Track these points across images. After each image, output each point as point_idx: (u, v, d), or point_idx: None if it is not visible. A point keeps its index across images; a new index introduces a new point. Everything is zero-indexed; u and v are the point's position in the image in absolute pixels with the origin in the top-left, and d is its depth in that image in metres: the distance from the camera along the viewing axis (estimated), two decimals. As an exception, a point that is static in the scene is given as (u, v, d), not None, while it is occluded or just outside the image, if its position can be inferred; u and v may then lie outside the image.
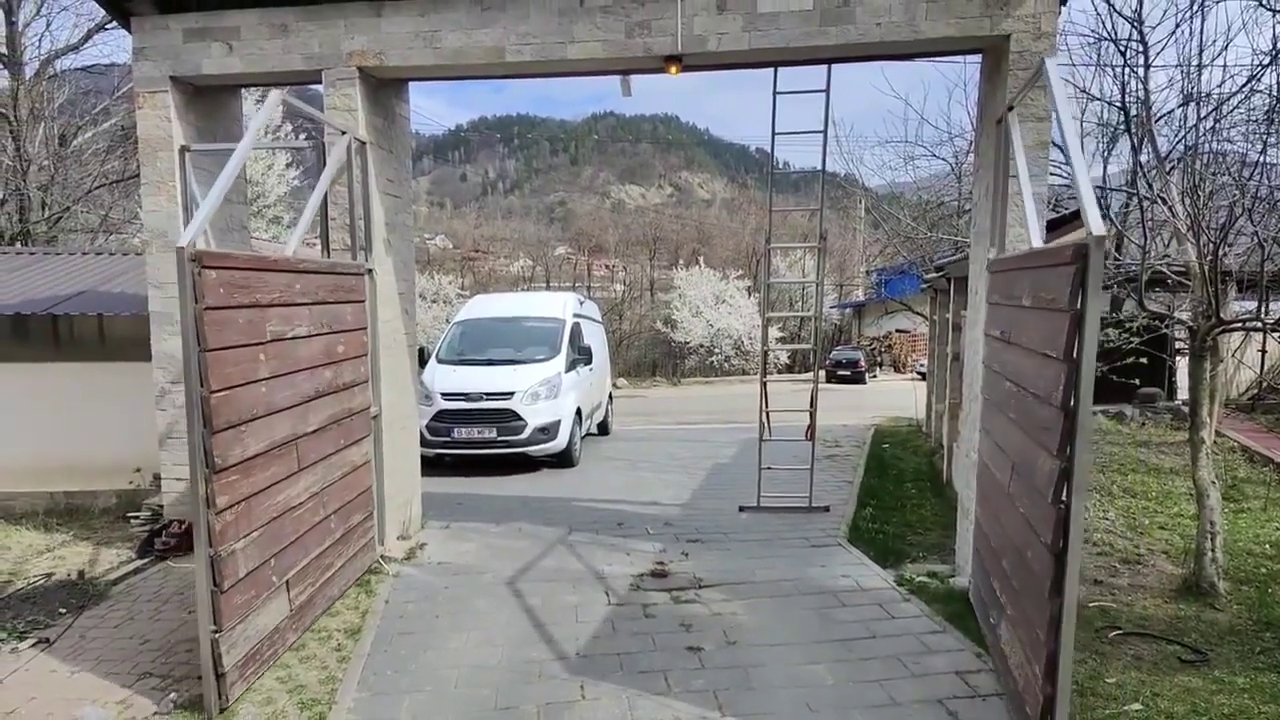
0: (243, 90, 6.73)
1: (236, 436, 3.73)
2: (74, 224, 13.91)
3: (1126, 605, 4.81)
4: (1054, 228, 5.30)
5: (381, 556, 5.69)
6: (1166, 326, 6.67)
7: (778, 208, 7.44)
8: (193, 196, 5.92)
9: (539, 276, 45.83)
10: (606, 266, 50.58)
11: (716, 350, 29.34)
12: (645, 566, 5.69)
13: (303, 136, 16.32)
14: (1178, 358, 12.30)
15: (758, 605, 4.94)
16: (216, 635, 3.57)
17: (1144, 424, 11.27)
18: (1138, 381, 7.28)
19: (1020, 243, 4.85)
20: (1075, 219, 5.66)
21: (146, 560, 5.85)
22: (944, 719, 3.56)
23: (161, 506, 6.25)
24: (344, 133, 5.42)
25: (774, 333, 29.48)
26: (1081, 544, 2.95)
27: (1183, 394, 13.07)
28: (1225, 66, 10.54)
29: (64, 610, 4.89)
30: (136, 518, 6.53)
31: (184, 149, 5.88)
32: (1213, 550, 4.90)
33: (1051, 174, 5.55)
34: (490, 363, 9.98)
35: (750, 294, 31.29)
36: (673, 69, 5.32)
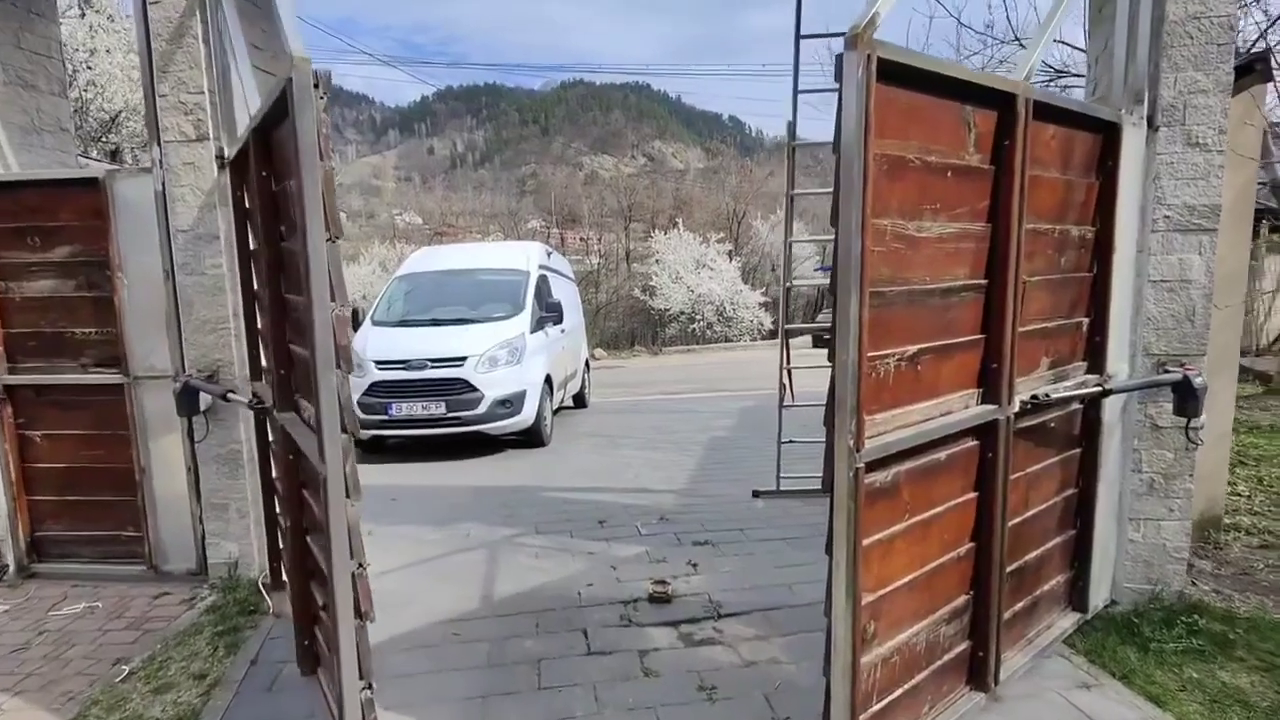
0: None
1: None
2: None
3: (1350, 628, 3.30)
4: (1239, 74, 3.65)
5: (261, 583, 4.00)
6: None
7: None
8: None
9: (510, 249, 43.80)
10: (581, 239, 48.47)
11: (698, 317, 27.78)
12: (638, 583, 4.08)
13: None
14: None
15: (809, 643, 3.33)
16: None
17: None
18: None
19: (1195, 94, 3.23)
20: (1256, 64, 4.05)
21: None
22: None
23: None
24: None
25: (756, 297, 27.99)
26: None
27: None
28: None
29: None
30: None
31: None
32: None
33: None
34: (437, 323, 8.20)
35: (731, 257, 29.65)
36: None
